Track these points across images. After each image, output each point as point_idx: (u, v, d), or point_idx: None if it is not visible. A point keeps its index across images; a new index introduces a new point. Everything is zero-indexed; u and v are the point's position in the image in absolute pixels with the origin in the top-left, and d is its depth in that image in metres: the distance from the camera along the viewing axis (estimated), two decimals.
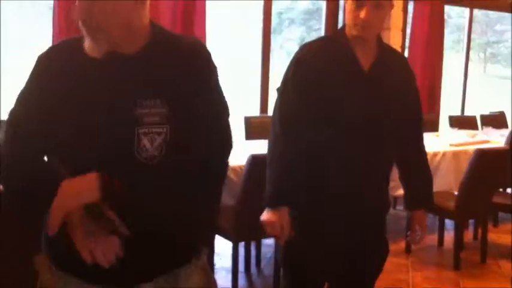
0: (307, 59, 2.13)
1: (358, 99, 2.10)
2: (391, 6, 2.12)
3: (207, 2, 4.96)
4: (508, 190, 4.99)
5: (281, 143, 2.12)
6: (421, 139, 2.37)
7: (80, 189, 1.39)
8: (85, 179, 1.40)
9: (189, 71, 1.53)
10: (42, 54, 1.54)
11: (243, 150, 3.58)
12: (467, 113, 6.97)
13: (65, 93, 1.46)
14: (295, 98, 2.12)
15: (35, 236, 1.62)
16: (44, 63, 1.52)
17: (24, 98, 1.52)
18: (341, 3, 5.90)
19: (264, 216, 2.13)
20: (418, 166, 2.36)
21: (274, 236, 2.19)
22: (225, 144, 1.64)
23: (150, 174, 1.47)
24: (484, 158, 4.04)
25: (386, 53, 2.19)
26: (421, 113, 2.34)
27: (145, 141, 1.45)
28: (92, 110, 1.45)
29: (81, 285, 1.51)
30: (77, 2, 1.42)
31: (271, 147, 2.17)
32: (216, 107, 1.60)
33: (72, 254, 1.40)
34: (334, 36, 2.29)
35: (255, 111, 5.67)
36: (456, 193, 4.19)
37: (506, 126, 6.24)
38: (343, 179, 2.12)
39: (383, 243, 2.32)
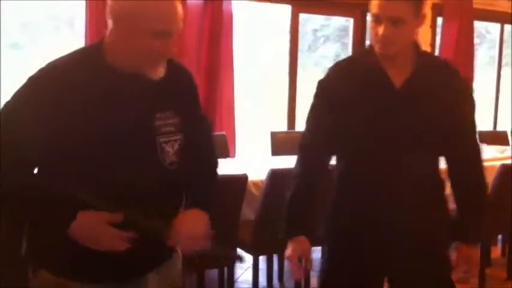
0: (330, 80, 2.12)
1: (390, 117, 2.02)
2: (419, 22, 1.99)
3: (234, 16, 5.06)
4: None
5: (296, 168, 2.13)
6: (473, 155, 2.14)
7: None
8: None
9: (187, 85, 1.81)
10: (53, 71, 1.60)
11: (267, 165, 3.63)
12: (499, 128, 6.88)
13: (90, 104, 1.57)
14: (312, 123, 2.13)
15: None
16: (59, 78, 1.59)
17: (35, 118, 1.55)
18: (368, 19, 5.92)
19: (286, 252, 2.06)
20: (469, 190, 2.14)
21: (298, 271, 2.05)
22: (215, 145, 1.99)
23: (173, 177, 1.69)
24: (510, 173, 3.99)
25: (427, 65, 2.06)
26: (472, 128, 2.15)
27: (168, 148, 1.68)
28: (118, 121, 1.59)
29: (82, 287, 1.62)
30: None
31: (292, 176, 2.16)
32: (205, 116, 1.91)
33: (76, 260, 1.55)
34: (362, 53, 2.20)
35: (282, 127, 5.72)
36: None
37: None
38: (372, 203, 2.06)
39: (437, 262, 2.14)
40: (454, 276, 2.16)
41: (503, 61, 7.28)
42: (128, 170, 1.59)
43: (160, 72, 1.68)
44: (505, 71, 7.27)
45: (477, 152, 2.16)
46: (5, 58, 4.30)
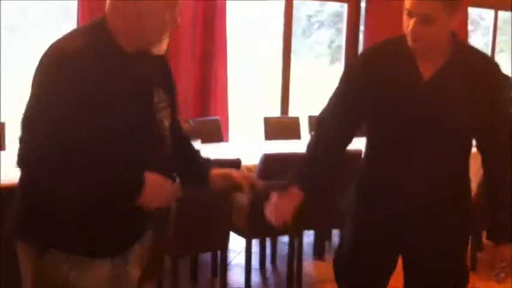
0: (358, 65, 2.16)
1: (414, 109, 2.00)
2: (453, 21, 1.92)
3: (227, 2, 5.06)
4: None
5: (310, 142, 2.18)
6: (504, 154, 2.05)
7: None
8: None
9: (167, 65, 1.97)
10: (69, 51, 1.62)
11: (260, 150, 3.65)
12: None
13: (105, 83, 1.62)
14: (339, 96, 2.13)
15: None
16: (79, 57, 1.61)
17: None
18: (362, 5, 5.93)
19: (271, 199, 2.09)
20: (499, 188, 2.08)
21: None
22: None
23: (169, 151, 1.85)
24: None
25: (461, 57, 2.00)
26: (503, 127, 2.05)
27: (165, 123, 1.82)
28: (128, 100, 1.67)
29: (92, 262, 1.71)
30: None
31: (306, 148, 2.20)
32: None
33: (86, 236, 1.68)
34: (395, 40, 2.08)
35: (276, 113, 5.73)
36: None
37: None
38: (392, 192, 2.09)
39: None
40: (491, 273, 2.17)
41: (497, 48, 7.30)
42: (147, 147, 1.72)
43: (163, 47, 1.77)
44: (499, 57, 7.28)
45: (508, 151, 2.06)
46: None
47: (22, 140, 1.60)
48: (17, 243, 1.74)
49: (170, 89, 1.89)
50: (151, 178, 1.66)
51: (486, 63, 2.08)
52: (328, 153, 2.13)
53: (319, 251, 4.25)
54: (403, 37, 2.00)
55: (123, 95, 1.65)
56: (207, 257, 4.00)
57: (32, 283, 1.72)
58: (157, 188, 1.67)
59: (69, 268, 1.68)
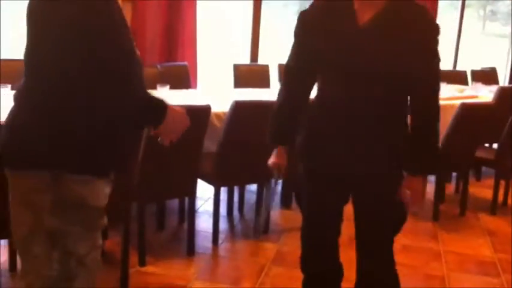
0: (307, 12, 2.20)
1: (347, 52, 2.07)
2: None
3: None
4: (494, 145, 5.04)
5: (281, 93, 2.33)
6: (427, 101, 2.15)
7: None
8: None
9: None
10: None
11: (230, 97, 3.60)
12: (459, 68, 6.96)
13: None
14: (294, 50, 2.26)
15: None
16: None
17: None
18: None
19: (269, 160, 2.37)
20: (419, 130, 2.16)
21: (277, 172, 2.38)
22: None
23: None
24: (469, 112, 4.08)
25: (397, 6, 2.06)
26: (429, 79, 2.13)
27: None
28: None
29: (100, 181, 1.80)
30: None
31: (277, 96, 2.36)
32: None
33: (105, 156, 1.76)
34: None
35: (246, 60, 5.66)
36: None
37: (496, 83, 6.25)
38: (328, 127, 2.18)
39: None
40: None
41: (466, 2, 7.30)
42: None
43: None
44: (467, 12, 7.30)
45: (426, 98, 2.16)
46: None
47: None
48: (24, 174, 1.71)
49: None
50: (172, 106, 1.78)
51: (421, 12, 2.12)
52: (295, 101, 2.29)
53: (286, 200, 4.27)
54: None
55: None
56: (174, 204, 3.99)
57: (50, 208, 1.70)
58: (178, 117, 1.80)
59: (81, 187, 1.71)
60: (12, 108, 1.77)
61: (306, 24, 2.20)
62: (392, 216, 2.24)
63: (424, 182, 2.22)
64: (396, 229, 2.28)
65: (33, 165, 1.68)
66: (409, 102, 2.17)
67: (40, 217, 1.70)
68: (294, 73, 2.28)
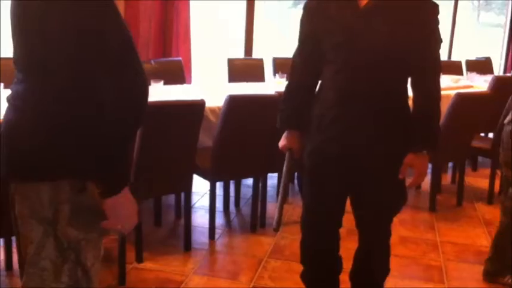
0: (312, 1, 2.26)
1: (349, 32, 2.12)
2: None
3: None
4: (490, 135, 5.04)
5: (291, 78, 2.41)
6: (427, 83, 2.19)
7: None
8: None
9: None
10: None
11: (224, 91, 3.59)
12: (454, 59, 6.95)
13: None
14: (301, 36, 2.33)
15: None
16: None
17: None
18: None
19: (280, 143, 2.40)
20: (420, 109, 2.20)
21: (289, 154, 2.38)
22: None
23: None
24: (464, 102, 4.07)
25: None
26: (429, 58, 2.18)
27: None
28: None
29: None
30: None
31: (287, 82, 2.45)
32: None
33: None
34: None
35: (240, 54, 5.64)
36: None
37: (491, 72, 6.24)
38: (336, 110, 2.20)
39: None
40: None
41: None
42: None
43: None
44: (461, 2, 7.28)
45: (426, 80, 2.19)
46: None
47: None
48: (36, 186, 1.56)
49: None
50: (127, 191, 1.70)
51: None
52: (303, 85, 2.34)
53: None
54: None
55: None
56: (170, 200, 3.98)
57: (68, 219, 1.57)
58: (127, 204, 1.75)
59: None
60: (12, 113, 1.59)
61: (310, 10, 2.26)
62: (394, 196, 2.27)
63: (427, 160, 2.26)
64: (397, 209, 2.33)
65: (49, 176, 1.55)
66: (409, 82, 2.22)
67: (54, 230, 1.58)
68: (302, 58, 2.33)
